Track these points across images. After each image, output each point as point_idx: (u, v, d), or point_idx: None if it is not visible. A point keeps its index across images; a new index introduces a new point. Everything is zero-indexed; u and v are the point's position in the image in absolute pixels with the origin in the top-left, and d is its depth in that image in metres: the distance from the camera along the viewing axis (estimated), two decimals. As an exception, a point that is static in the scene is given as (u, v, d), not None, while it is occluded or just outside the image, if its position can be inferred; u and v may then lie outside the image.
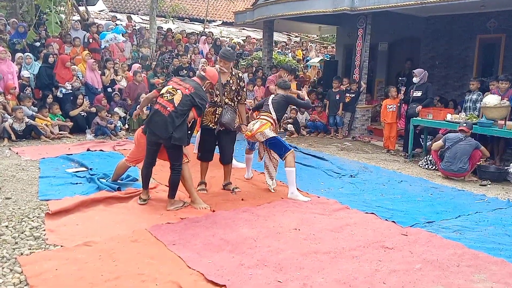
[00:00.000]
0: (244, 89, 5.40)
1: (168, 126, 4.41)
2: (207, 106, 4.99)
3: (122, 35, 12.25)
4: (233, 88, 5.22)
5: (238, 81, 5.27)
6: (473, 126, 6.66)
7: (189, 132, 4.69)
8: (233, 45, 4.86)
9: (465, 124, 6.63)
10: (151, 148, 4.70)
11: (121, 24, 13.63)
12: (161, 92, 4.63)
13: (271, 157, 5.47)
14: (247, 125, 5.39)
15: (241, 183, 5.76)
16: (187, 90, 4.52)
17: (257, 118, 5.49)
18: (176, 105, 4.44)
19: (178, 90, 4.52)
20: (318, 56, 16.75)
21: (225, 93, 5.16)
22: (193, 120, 4.75)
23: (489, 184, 6.28)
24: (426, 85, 7.91)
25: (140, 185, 5.05)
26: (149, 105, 5.12)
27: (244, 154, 6.19)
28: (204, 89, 4.82)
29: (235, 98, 5.27)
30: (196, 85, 4.65)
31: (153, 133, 4.53)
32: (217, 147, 5.42)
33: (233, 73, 5.27)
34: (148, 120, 4.62)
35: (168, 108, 4.44)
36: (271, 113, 5.44)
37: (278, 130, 5.65)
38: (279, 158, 5.38)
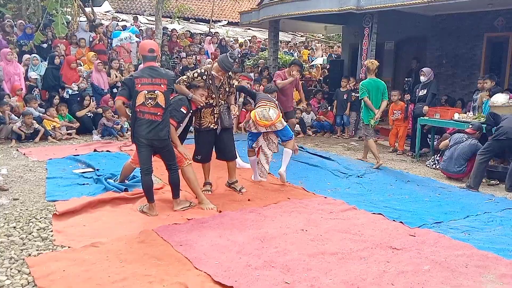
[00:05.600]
0: (234, 85, 5.50)
1: (167, 126, 4.46)
2: (203, 107, 5.08)
3: (136, 36, 12.28)
4: (227, 89, 5.28)
5: (229, 80, 5.31)
6: (482, 125, 6.58)
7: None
8: (235, 56, 4.84)
9: (471, 126, 6.55)
10: (145, 150, 4.43)
11: (133, 24, 13.67)
12: (141, 102, 4.32)
13: (270, 142, 5.77)
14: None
15: (248, 184, 5.74)
16: (162, 86, 4.39)
17: (268, 106, 5.63)
18: (164, 106, 4.40)
19: (156, 92, 4.35)
20: (323, 56, 16.72)
21: (220, 95, 5.22)
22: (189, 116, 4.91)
23: (497, 184, 6.22)
24: (430, 83, 7.85)
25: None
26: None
27: (246, 155, 6.16)
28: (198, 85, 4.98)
29: (227, 97, 5.36)
30: (163, 73, 4.48)
31: (153, 139, 4.40)
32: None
33: None
34: (145, 133, 4.35)
35: (158, 113, 4.37)
36: (276, 103, 5.83)
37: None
38: (278, 142, 5.80)
